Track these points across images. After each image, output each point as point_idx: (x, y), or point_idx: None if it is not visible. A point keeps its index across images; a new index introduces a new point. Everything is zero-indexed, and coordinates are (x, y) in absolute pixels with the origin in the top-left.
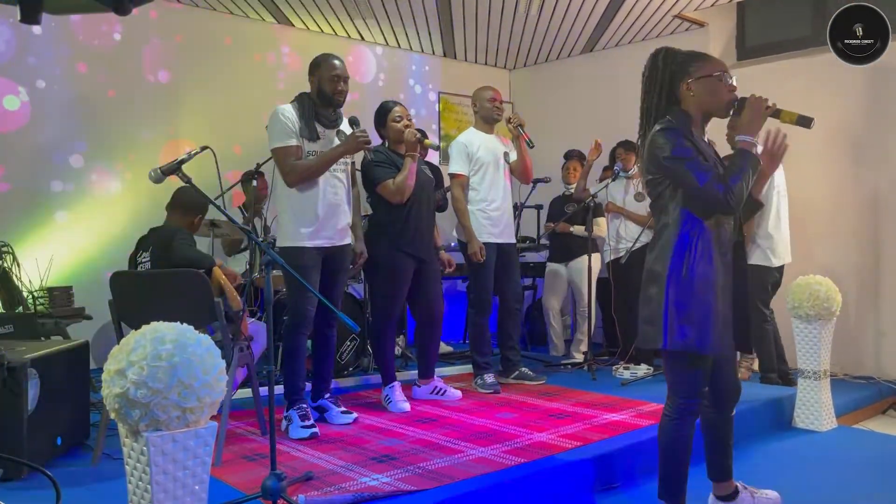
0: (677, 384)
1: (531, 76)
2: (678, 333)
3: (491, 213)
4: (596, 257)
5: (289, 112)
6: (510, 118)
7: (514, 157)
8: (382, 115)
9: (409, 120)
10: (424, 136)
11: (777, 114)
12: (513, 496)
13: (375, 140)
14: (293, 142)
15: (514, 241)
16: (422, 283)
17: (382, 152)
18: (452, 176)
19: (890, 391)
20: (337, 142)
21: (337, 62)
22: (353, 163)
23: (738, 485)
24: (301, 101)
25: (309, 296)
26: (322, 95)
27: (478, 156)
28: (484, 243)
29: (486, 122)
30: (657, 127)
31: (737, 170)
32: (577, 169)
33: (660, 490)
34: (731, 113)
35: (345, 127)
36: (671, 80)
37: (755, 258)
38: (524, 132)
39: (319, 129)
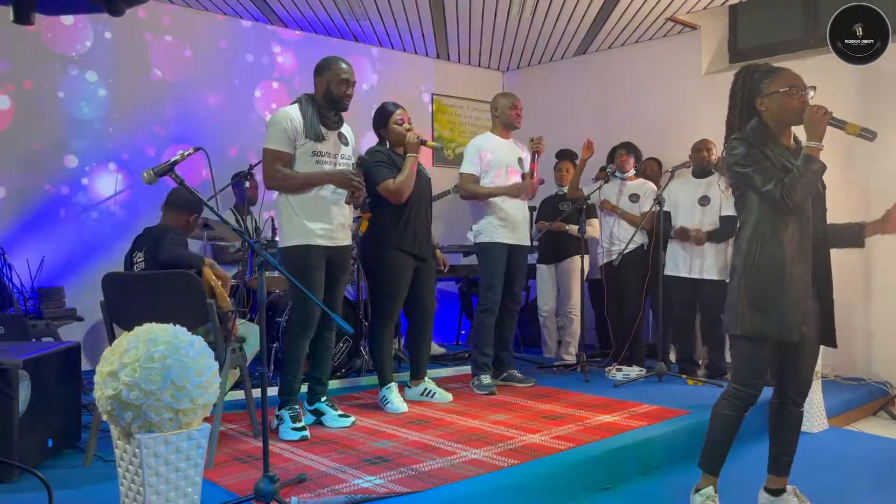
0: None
1: (524, 78)
2: (747, 320)
3: (503, 215)
4: (586, 259)
5: (295, 116)
6: (532, 138)
7: (527, 165)
8: (384, 116)
9: (410, 123)
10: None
11: (840, 124)
12: (506, 498)
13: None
14: (286, 149)
15: (527, 244)
16: (418, 281)
17: (384, 153)
18: (462, 175)
19: (880, 392)
20: (338, 143)
21: (345, 65)
22: (356, 163)
23: (790, 488)
24: (305, 102)
25: (316, 296)
26: (329, 97)
27: (489, 159)
28: (497, 243)
29: (506, 127)
30: (732, 137)
31: (797, 174)
32: (569, 170)
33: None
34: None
35: (346, 130)
36: (749, 97)
37: None
38: (537, 159)
39: (324, 130)
